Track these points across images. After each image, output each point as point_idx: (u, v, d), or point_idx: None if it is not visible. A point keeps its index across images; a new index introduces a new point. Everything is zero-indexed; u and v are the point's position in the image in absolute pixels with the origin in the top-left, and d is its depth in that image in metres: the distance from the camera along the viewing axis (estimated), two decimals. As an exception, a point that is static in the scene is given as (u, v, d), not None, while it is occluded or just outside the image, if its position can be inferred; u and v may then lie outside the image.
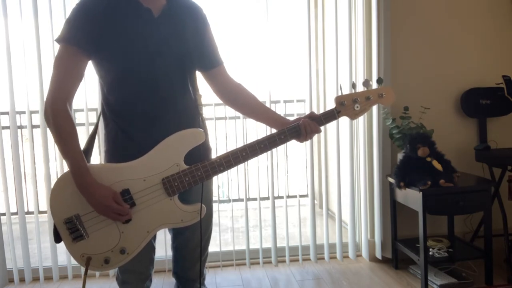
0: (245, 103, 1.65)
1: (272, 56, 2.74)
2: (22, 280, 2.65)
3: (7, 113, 2.59)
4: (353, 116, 1.57)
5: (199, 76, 1.65)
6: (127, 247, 1.44)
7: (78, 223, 1.40)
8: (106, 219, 1.41)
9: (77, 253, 1.43)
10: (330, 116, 1.55)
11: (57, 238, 1.44)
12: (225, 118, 3.26)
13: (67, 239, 1.42)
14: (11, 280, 2.66)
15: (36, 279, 2.68)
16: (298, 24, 2.84)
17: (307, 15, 2.74)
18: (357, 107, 1.56)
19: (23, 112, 2.66)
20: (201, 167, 1.45)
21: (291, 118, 1.62)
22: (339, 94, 1.57)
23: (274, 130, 1.57)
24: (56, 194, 1.41)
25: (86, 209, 1.40)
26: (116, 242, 1.43)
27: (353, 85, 1.59)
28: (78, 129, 1.41)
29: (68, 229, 1.41)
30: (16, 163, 2.60)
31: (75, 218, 1.40)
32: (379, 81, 1.62)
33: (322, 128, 1.56)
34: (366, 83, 1.58)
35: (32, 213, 2.76)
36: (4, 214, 2.63)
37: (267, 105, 2.76)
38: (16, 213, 2.64)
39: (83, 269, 1.46)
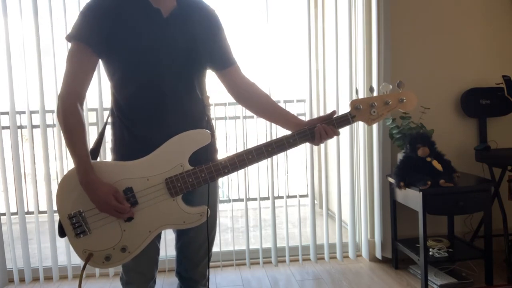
0: (257, 102, 1.64)
1: (272, 56, 2.74)
2: (22, 280, 2.65)
3: (7, 113, 2.59)
4: (370, 121, 1.48)
5: (209, 76, 1.65)
6: (128, 246, 1.45)
7: (82, 219, 1.43)
8: (108, 216, 1.42)
9: (79, 248, 1.45)
10: (344, 120, 1.48)
11: (62, 233, 1.46)
12: (225, 118, 3.26)
13: (70, 234, 1.44)
14: (11, 280, 2.66)
15: (36, 279, 2.68)
16: (298, 24, 2.84)
17: (307, 15, 2.74)
18: (374, 112, 1.47)
19: (23, 112, 2.66)
20: (205, 169, 1.44)
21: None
22: (354, 98, 1.50)
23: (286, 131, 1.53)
24: (62, 190, 1.44)
25: (88, 206, 1.42)
26: (118, 240, 1.44)
27: (371, 89, 1.50)
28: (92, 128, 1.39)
29: (71, 224, 1.43)
30: (16, 163, 2.60)
31: (78, 214, 1.42)
32: (400, 84, 1.48)
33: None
34: (386, 87, 1.48)
35: (32, 213, 2.77)
36: (4, 214, 2.64)
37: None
38: (16, 213, 2.65)
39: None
